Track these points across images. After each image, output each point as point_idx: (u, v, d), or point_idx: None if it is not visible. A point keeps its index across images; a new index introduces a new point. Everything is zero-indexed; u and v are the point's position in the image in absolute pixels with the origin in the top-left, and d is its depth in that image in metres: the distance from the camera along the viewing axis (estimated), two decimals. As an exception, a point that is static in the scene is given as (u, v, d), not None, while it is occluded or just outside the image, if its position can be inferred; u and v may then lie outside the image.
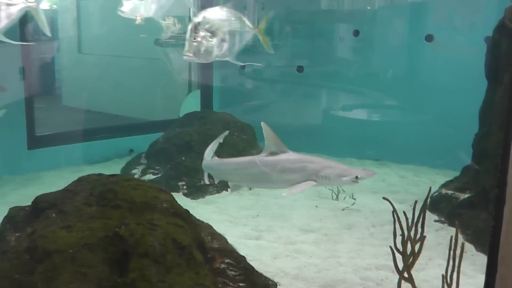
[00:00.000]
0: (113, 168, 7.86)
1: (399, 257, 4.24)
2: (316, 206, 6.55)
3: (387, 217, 5.83)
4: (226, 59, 4.82)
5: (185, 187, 6.86)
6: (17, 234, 4.27)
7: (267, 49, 5.19)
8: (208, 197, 6.82)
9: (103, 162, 8.30)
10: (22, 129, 7.81)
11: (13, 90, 7.68)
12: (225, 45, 4.58)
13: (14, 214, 4.56)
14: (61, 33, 11.76)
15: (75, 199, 4.22)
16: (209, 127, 7.71)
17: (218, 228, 4.97)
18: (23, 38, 7.69)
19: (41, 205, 4.37)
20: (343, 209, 6.41)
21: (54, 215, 4.11)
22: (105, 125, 9.46)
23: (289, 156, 4.18)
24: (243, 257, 4.39)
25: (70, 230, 3.75)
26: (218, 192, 6.92)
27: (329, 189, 6.77)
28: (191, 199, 6.71)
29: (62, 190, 4.48)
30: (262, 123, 4.12)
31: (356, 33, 8.72)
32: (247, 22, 4.93)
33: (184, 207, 4.26)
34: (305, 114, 9.36)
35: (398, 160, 8.31)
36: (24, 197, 6.01)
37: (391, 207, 4.08)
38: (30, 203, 4.52)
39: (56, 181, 7.28)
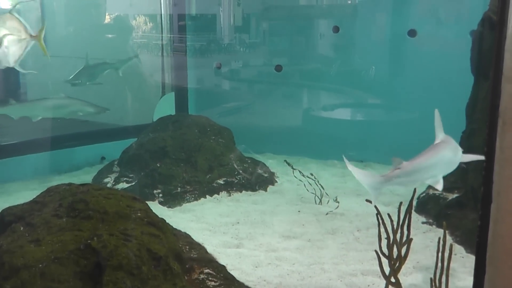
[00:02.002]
0: (84, 177, 7.83)
1: (385, 261, 4.29)
2: (299, 211, 6.59)
3: (372, 220, 5.89)
4: (7, 66, 5.22)
5: (160, 195, 6.86)
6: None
7: (45, 55, 5.78)
8: (185, 205, 6.82)
9: (73, 171, 8.25)
10: (-18, 139, 7.75)
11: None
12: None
13: (-22, 228, 4.54)
14: (25, 33, 11.64)
15: (44, 211, 4.20)
16: (184, 131, 7.72)
17: (197, 237, 5.00)
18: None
19: (7, 218, 4.34)
20: (326, 213, 6.46)
21: (21, 228, 4.09)
22: (74, 131, 9.37)
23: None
24: (223, 266, 4.42)
25: (39, 244, 3.74)
26: (196, 199, 6.93)
27: (312, 192, 6.82)
28: (167, 207, 6.70)
29: (30, 202, 4.46)
30: (436, 111, 4.22)
31: (336, 29, 8.79)
32: (27, 30, 5.32)
33: (160, 216, 4.28)
34: (285, 115, 9.41)
35: (383, 161, 8.37)
36: (-11, 210, 5.97)
37: (376, 210, 4.13)
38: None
39: (23, 192, 7.24)
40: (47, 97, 8.10)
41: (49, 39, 11.50)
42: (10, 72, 11.31)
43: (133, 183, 7.18)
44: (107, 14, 10.70)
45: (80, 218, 3.95)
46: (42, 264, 3.56)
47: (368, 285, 4.71)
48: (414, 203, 4.91)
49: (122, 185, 7.15)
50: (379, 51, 8.87)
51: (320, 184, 6.85)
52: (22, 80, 12.16)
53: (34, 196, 4.52)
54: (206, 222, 6.26)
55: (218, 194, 7.11)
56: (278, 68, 9.02)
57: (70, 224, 3.89)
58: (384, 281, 4.42)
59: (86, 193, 4.21)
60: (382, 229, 4.24)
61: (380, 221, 4.36)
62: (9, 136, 8.43)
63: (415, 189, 4.60)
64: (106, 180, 7.43)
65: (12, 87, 11.95)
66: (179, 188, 6.94)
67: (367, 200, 4.58)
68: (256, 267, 5.06)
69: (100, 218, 3.93)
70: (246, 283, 4.57)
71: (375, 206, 4.40)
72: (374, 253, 4.17)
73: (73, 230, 3.83)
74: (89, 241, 3.68)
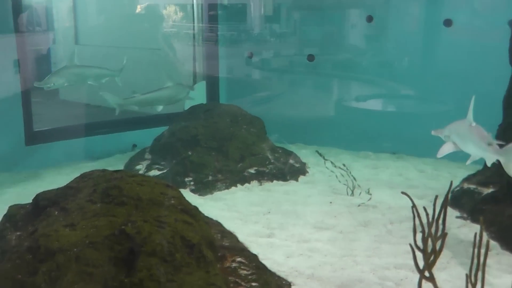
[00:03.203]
0: (116, 164, 7.89)
1: (419, 255, 4.23)
2: (331, 202, 6.55)
3: (405, 213, 5.88)
4: None
5: (192, 183, 6.88)
6: (18, 233, 4.31)
7: None
8: (217, 194, 6.83)
9: (105, 158, 8.33)
10: (19, 125, 7.84)
11: (8, 83, 7.71)
12: None
13: (14, 213, 4.60)
14: (57, 23, 11.76)
15: (78, 196, 4.24)
16: (215, 120, 7.72)
17: (228, 225, 4.99)
18: (17, 29, 7.73)
19: (42, 202, 4.40)
20: (358, 205, 6.40)
21: (56, 213, 4.14)
22: (106, 119, 9.46)
23: None
24: (255, 255, 4.41)
25: (74, 229, 3.77)
26: (227, 188, 6.93)
27: (344, 184, 6.77)
28: (198, 195, 6.72)
29: (64, 187, 4.51)
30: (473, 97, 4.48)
31: (370, 18, 8.68)
32: None
33: (192, 204, 4.28)
34: (317, 105, 9.36)
35: (416, 153, 8.29)
36: (23, 195, 6.05)
37: (409, 203, 4.07)
38: (29, 201, 4.56)
39: (56, 178, 7.35)
40: (164, 87, 8.26)
41: (81, 28, 11.66)
42: (42, 61, 11.47)
43: (165, 171, 7.21)
44: (138, 3, 10.76)
45: (114, 204, 3.97)
46: (77, 248, 3.59)
47: (401, 279, 4.66)
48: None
49: (154, 173, 7.18)
50: (413, 41, 8.75)
51: (352, 176, 6.79)
52: (53, 68, 12.34)
53: (67, 181, 4.56)
54: (237, 211, 6.26)
55: (249, 183, 7.10)
56: (311, 57, 8.96)
57: (104, 210, 3.91)
58: (418, 276, 4.37)
59: (120, 179, 4.22)
60: (417, 222, 4.19)
61: (416, 214, 4.30)
62: (43, 122, 8.54)
63: (451, 182, 4.53)
64: (138, 167, 7.48)
65: (44, 76, 12.12)
66: (210, 177, 6.96)
67: (402, 193, 4.52)
68: (288, 257, 5.05)
69: (134, 204, 3.94)
70: (278, 273, 4.57)
71: (411, 199, 4.34)
72: (407, 246, 4.11)
73: (107, 215, 3.85)
74: (123, 227, 3.69)
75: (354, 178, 6.79)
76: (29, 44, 8.52)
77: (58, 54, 12.16)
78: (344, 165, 6.89)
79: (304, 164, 7.85)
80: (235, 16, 10.09)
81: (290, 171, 7.43)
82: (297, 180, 7.39)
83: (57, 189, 4.54)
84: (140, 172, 7.18)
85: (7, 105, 7.56)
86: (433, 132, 6.06)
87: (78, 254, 3.56)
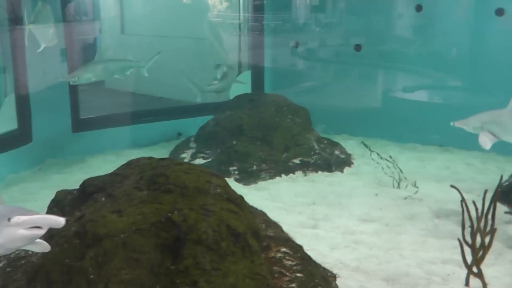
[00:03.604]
0: (161, 152, 7.97)
1: (467, 250, 4.15)
2: (376, 194, 6.47)
3: (452, 207, 5.76)
4: None
5: (236, 172, 6.89)
6: (65, 218, 4.37)
7: None
8: (261, 183, 6.83)
9: (150, 146, 8.42)
10: (66, 112, 7.99)
11: (56, 71, 7.84)
12: None
13: (61, 198, 4.69)
14: (103, 13, 11.92)
15: (125, 183, 4.28)
16: (261, 109, 7.71)
17: (272, 215, 4.98)
18: (64, 18, 7.85)
19: (89, 189, 4.47)
20: (405, 198, 6.30)
21: (103, 199, 4.20)
22: (152, 108, 9.56)
23: None
24: (300, 246, 4.38)
25: (120, 215, 3.81)
26: (271, 178, 6.92)
27: (390, 176, 6.68)
28: (243, 184, 6.73)
29: (111, 173, 4.56)
30: None
31: (419, 8, 8.51)
32: None
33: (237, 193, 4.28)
34: (363, 96, 9.24)
35: (464, 146, 8.10)
36: (70, 181, 6.18)
37: (456, 197, 3.99)
38: (76, 187, 4.64)
39: (102, 164, 7.47)
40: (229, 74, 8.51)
41: (127, 17, 11.78)
42: (88, 50, 11.64)
43: (210, 160, 7.25)
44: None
45: (160, 191, 3.99)
46: (124, 235, 3.63)
47: (448, 274, 4.56)
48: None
49: (199, 161, 7.23)
50: (463, 31, 8.54)
51: (398, 168, 6.69)
52: (98, 58, 12.51)
53: (113, 168, 4.62)
54: (281, 201, 6.24)
55: (294, 173, 7.08)
56: (358, 47, 8.84)
57: (151, 197, 3.94)
58: (465, 271, 4.28)
59: (166, 167, 4.25)
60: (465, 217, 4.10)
61: (464, 208, 4.21)
62: (89, 110, 8.67)
63: (501, 177, 4.42)
64: (183, 155, 7.54)
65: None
66: (254, 166, 6.96)
67: (452, 186, 4.45)
68: (333, 249, 5.01)
69: (180, 192, 3.96)
70: (323, 265, 4.54)
71: (460, 193, 4.26)
72: (454, 241, 4.04)
73: (153, 203, 3.88)
74: (169, 215, 3.71)
75: (401, 170, 6.68)
76: (76, 34, 8.65)
77: (104, 43, 12.33)
78: (390, 157, 6.79)
79: (350, 155, 7.77)
80: (281, 5, 10.03)
81: (336, 162, 7.36)
82: (342, 171, 7.33)
83: (104, 175, 4.60)
84: (185, 160, 7.22)
85: (55, 93, 7.69)
86: (456, 124, 5.96)
87: (125, 240, 3.60)
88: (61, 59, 7.98)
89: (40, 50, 6.83)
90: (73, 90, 8.05)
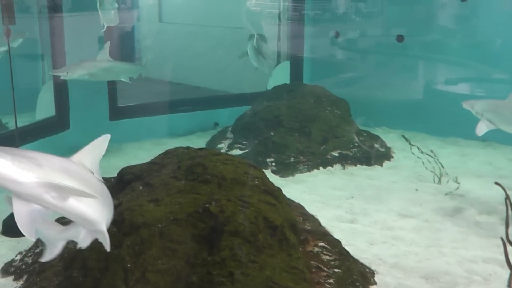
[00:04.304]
0: (197, 141, 7.99)
1: (510, 250, 4.04)
2: (416, 189, 6.38)
3: (495, 204, 5.64)
4: None
5: (273, 164, 6.87)
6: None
7: None
8: (298, 176, 6.79)
9: (186, 136, 8.45)
10: (104, 99, 8.07)
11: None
12: None
13: (99, 185, 4.73)
14: (141, 1, 11.99)
15: (162, 172, 4.32)
16: (299, 100, 7.66)
17: (310, 208, 4.96)
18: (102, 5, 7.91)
19: (126, 177, 4.52)
20: (446, 194, 6.20)
21: (140, 187, 4.24)
22: (188, 97, 9.60)
23: None
24: (338, 241, 4.35)
25: (158, 204, 3.85)
26: (309, 170, 6.88)
27: (431, 171, 6.57)
28: (279, 176, 6.70)
29: (148, 162, 4.61)
30: None
31: (464, -3, 8.35)
32: None
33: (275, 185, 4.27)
34: (404, 88, 9.08)
35: (507, 141, 7.91)
36: (107, 168, 6.14)
37: (498, 194, 3.88)
38: (112, 175, 4.69)
39: (138, 153, 7.54)
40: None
41: (165, 5, 11.84)
42: (126, 38, 11.75)
43: (247, 150, 7.24)
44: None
45: (198, 181, 4.01)
46: (161, 224, 3.66)
47: (490, 274, 4.47)
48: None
49: (236, 152, 7.22)
50: (508, 22, 8.32)
51: (439, 162, 6.57)
52: (137, 46, 12.63)
53: (149, 157, 4.66)
54: (319, 194, 6.21)
55: (332, 166, 7.02)
56: (400, 38, 8.70)
57: (189, 187, 3.97)
58: (508, 271, 4.18)
59: (204, 157, 4.27)
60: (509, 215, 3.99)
61: (509, 206, 4.11)
62: (126, 98, 8.75)
63: (547, 173, 4.30)
64: (219, 146, 7.55)
65: (127, 51, 12.42)
66: (292, 158, 6.93)
67: (496, 183, 4.34)
68: (371, 244, 4.96)
69: (217, 183, 3.97)
70: (361, 260, 4.49)
71: (505, 190, 4.15)
72: (497, 240, 3.94)
73: (191, 193, 3.90)
74: (207, 205, 3.73)
75: (442, 165, 6.56)
76: (114, 22, 8.67)
77: (142, 31, 12.42)
78: (431, 151, 6.67)
79: (389, 148, 7.67)
80: (322, -6, 9.95)
81: (375, 155, 7.28)
82: (381, 165, 7.24)
83: (142, 164, 4.65)
84: (222, 150, 7.23)
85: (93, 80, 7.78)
86: (464, 105, 6.07)
87: (162, 229, 3.63)
88: (99, 47, 8.04)
89: (103, 30, 6.89)
90: (111, 78, 8.11)
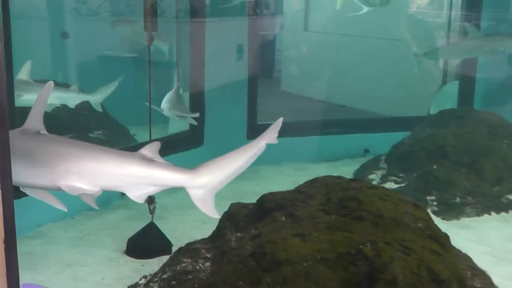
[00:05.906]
0: (344, 169, 7.92)
1: None
2: None
3: None
4: None
5: (434, 203, 6.68)
6: (239, 234, 4.53)
7: None
8: (464, 220, 6.54)
9: (331, 161, 8.43)
10: (243, 115, 8.27)
11: (230, 69, 8.15)
12: None
13: (235, 211, 4.87)
14: (286, 6, 12.21)
15: (309, 203, 4.35)
16: (469, 130, 7.41)
17: (478, 262, 4.75)
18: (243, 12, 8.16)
19: (267, 205, 4.60)
20: None
21: (283, 218, 4.29)
22: (334, 118, 9.57)
23: None
24: (517, 306, 4.14)
25: (304, 240, 3.87)
26: (478, 214, 6.60)
27: None
28: (441, 219, 6.48)
29: (293, 190, 4.67)
30: None
31: None
32: None
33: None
34: None
35: None
36: (241, 192, 6.36)
37: None
38: (246, 200, 4.81)
39: (277, 178, 7.65)
40: None
41: (312, 12, 11.95)
42: (267, 48, 12.01)
43: (403, 185, 7.10)
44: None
45: (350, 218, 4.00)
46: (307, 263, 3.67)
47: None
48: None
49: (390, 185, 7.08)
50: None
51: None
52: (277, 56, 12.86)
53: (289, 183, 4.70)
54: (489, 245, 5.93)
55: (507, 212, 6.69)
56: None
57: (340, 223, 3.96)
58: None
59: (359, 190, 4.25)
60: None
61: None
62: (264, 115, 8.87)
63: None
64: (371, 176, 7.48)
65: (268, 63, 12.70)
66: (458, 198, 6.70)
67: None
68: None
69: (373, 221, 3.94)
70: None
71: None
72: None
73: (342, 230, 3.89)
74: (361, 246, 3.69)
75: None
76: (256, 29, 8.89)
77: (284, 40, 12.63)
78: None
79: None
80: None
81: None
82: None
83: (285, 192, 4.71)
84: (374, 182, 7.14)
85: (231, 94, 8.00)
86: None
87: (307, 269, 3.64)
88: (237, 56, 8.26)
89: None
90: (252, 92, 8.28)
